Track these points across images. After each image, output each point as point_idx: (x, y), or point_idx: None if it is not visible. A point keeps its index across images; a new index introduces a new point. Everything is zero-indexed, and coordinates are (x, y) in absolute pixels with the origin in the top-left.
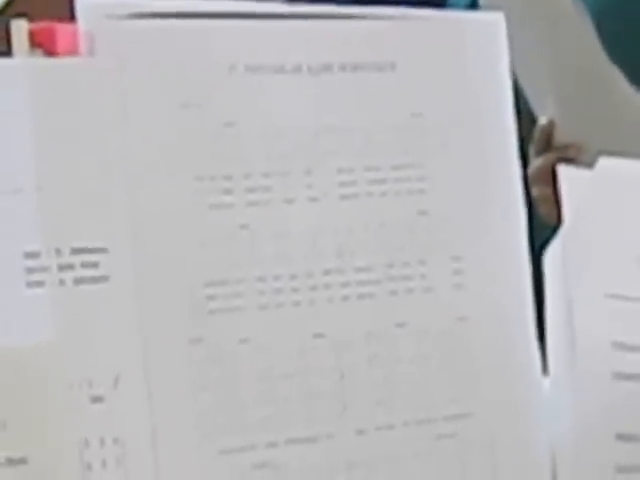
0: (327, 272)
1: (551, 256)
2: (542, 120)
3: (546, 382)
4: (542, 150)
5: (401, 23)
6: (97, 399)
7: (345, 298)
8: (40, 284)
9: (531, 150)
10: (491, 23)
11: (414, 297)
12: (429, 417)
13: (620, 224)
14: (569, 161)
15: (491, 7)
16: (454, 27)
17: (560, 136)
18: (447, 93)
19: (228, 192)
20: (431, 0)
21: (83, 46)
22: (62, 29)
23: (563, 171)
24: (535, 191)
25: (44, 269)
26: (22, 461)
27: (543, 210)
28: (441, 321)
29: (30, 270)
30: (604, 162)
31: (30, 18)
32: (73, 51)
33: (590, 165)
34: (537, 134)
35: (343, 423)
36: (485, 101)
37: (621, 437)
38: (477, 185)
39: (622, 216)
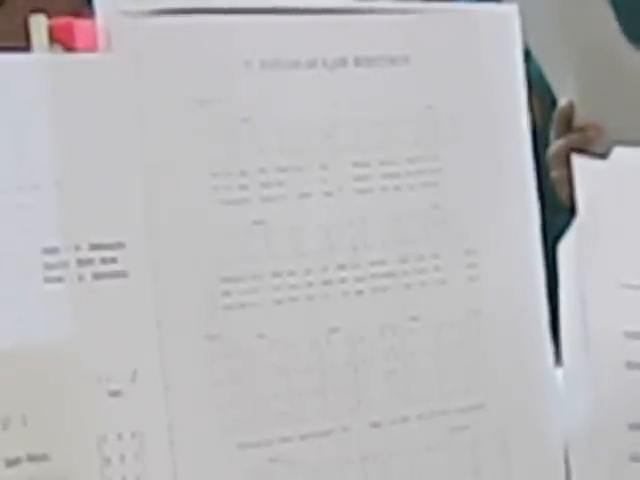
0: (342, 266)
1: (565, 247)
2: (562, 102)
3: (559, 372)
4: (562, 132)
5: (414, 17)
6: (115, 394)
7: (360, 292)
8: (59, 280)
9: (551, 132)
10: (504, 15)
11: (428, 290)
12: (443, 409)
13: (634, 214)
14: (589, 142)
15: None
16: (467, 19)
17: (580, 118)
18: (461, 85)
19: (244, 188)
20: None
21: (101, 42)
22: (81, 25)
23: (577, 161)
24: (555, 173)
25: (63, 265)
26: (43, 457)
27: (562, 192)
28: (455, 313)
29: (49, 266)
30: (618, 151)
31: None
32: (92, 46)
33: (610, 147)
34: (557, 116)
35: (358, 416)
36: (498, 92)
37: (635, 426)
38: (491, 177)
39: (636, 206)
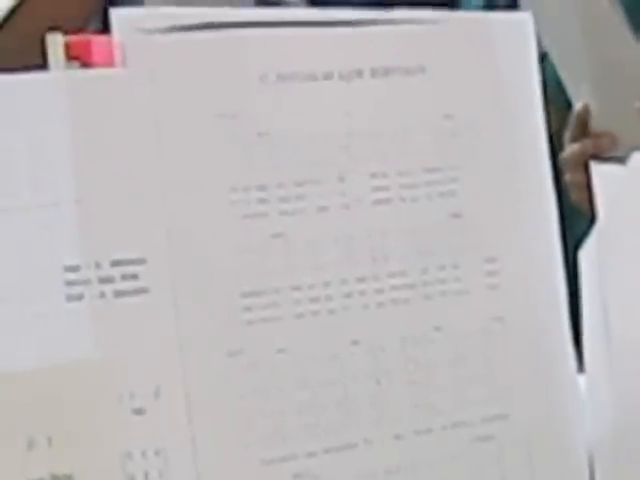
0: (361, 279)
1: (586, 254)
2: (577, 106)
3: (582, 379)
4: (577, 136)
5: (429, 26)
6: (139, 411)
7: (380, 304)
8: (80, 297)
9: (566, 135)
10: (519, 22)
11: (449, 300)
12: (466, 420)
13: None
14: (603, 150)
15: (533, 2)
16: (482, 28)
17: (595, 123)
18: (477, 94)
19: (262, 202)
20: (443, 2)
21: (117, 58)
22: (97, 41)
23: (596, 168)
24: (568, 177)
25: (84, 282)
26: (67, 477)
27: (575, 196)
28: (476, 322)
29: (70, 283)
30: (637, 157)
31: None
32: (108, 63)
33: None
34: (572, 119)
35: (381, 428)
36: (515, 101)
37: None
38: (509, 184)
39: None
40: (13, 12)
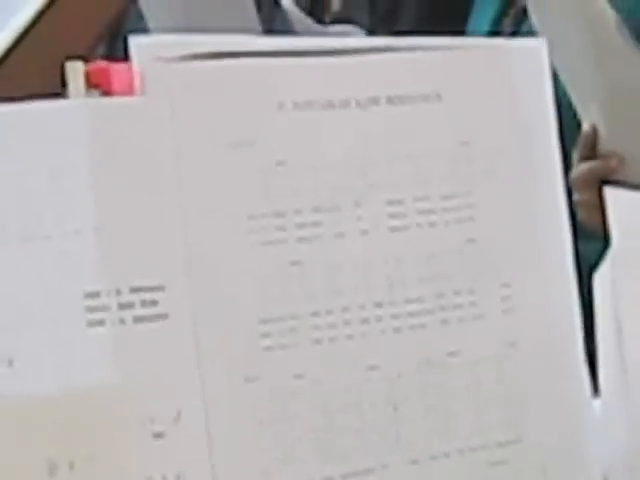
0: (378, 304)
1: (600, 278)
2: (585, 126)
3: (597, 403)
4: (585, 156)
5: (444, 53)
6: (159, 435)
7: (397, 330)
8: (101, 323)
9: (574, 155)
10: (534, 49)
11: (465, 325)
12: (482, 444)
13: None
14: (611, 171)
15: (542, 23)
16: (497, 54)
17: (603, 144)
18: (493, 120)
19: (280, 229)
20: (451, 30)
21: (137, 86)
22: (117, 69)
23: (609, 192)
24: (576, 196)
25: (104, 308)
26: None
27: (583, 215)
28: (492, 347)
29: (91, 309)
30: None
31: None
32: (128, 90)
33: (633, 176)
34: (581, 140)
35: (398, 453)
36: (531, 126)
37: None
38: (524, 211)
39: None
40: (21, 39)
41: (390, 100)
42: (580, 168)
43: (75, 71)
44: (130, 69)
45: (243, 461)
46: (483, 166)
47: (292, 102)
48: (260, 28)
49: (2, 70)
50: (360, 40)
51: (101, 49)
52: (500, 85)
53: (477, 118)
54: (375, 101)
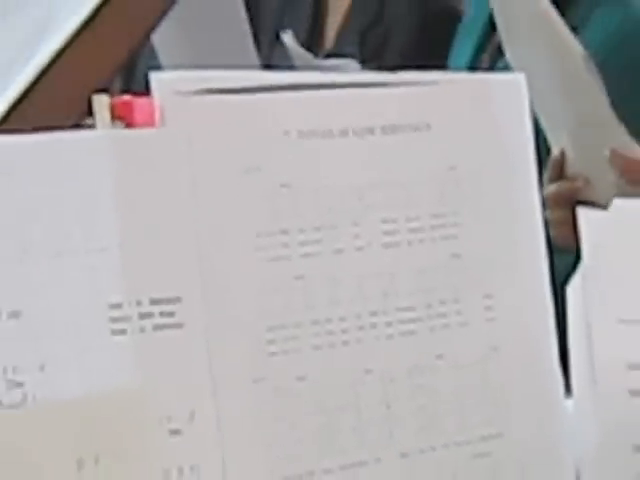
0: (373, 313)
1: (572, 289)
2: (555, 151)
3: (569, 402)
4: (554, 177)
5: (433, 87)
6: (175, 432)
7: (390, 336)
8: (123, 332)
9: (545, 176)
10: (514, 82)
11: (451, 332)
12: (466, 439)
13: (633, 258)
14: (577, 191)
15: (516, 58)
16: (481, 87)
17: (571, 167)
18: (478, 147)
19: (285, 246)
20: (433, 64)
21: (157, 118)
22: (139, 103)
23: (582, 212)
24: (548, 214)
25: (126, 318)
26: None
27: (554, 232)
28: (475, 351)
29: (114, 320)
30: (618, 203)
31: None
32: (149, 122)
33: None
34: (550, 163)
35: (390, 448)
36: (511, 152)
37: (639, 448)
38: (505, 228)
39: (635, 251)
40: (43, 75)
41: (384, 130)
42: (549, 188)
43: (101, 104)
44: (151, 102)
45: (250, 455)
46: (468, 188)
47: (297, 131)
48: (258, 63)
49: (29, 103)
50: (358, 75)
51: (117, 82)
52: (484, 115)
53: (463, 145)
54: (371, 130)
